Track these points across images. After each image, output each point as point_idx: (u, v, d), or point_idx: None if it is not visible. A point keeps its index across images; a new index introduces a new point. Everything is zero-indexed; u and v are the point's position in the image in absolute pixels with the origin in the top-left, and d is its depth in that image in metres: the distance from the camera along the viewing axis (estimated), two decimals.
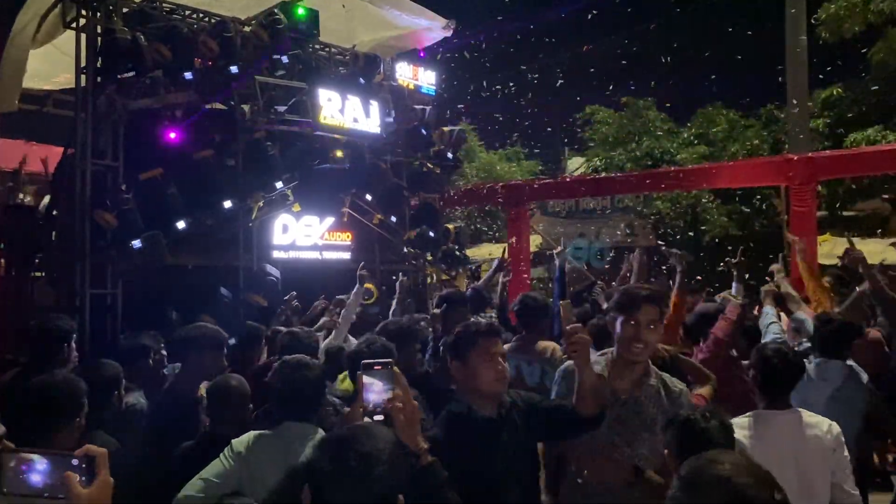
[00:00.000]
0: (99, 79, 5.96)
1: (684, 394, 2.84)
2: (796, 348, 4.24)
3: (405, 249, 8.72)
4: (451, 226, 9.28)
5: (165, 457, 2.95)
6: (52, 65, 7.23)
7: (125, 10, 6.25)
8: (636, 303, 2.76)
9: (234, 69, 6.48)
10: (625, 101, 20.07)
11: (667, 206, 17.48)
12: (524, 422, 2.62)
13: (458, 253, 9.08)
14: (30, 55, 6.30)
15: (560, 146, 24.39)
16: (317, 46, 7.87)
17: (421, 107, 8.70)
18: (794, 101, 11.97)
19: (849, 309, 4.67)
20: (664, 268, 6.69)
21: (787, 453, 2.80)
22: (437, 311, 4.84)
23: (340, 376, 4.21)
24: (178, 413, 3.31)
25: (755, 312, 4.95)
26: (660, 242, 7.21)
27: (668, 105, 20.05)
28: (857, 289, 4.72)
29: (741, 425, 2.87)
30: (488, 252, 16.66)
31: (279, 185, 6.74)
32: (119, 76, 5.89)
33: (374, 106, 7.66)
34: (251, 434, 2.67)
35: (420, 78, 9.03)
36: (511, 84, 18.06)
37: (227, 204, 6.31)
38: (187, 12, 6.84)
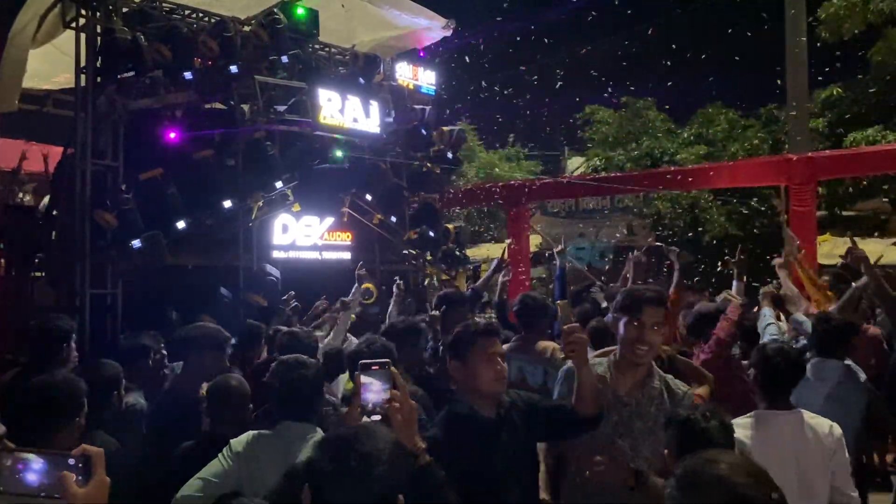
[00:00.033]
0: (99, 79, 5.96)
1: (688, 396, 2.81)
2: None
3: (405, 250, 8.73)
4: (451, 226, 9.29)
5: (165, 457, 2.95)
6: (51, 64, 7.23)
7: (125, 9, 6.25)
8: (640, 304, 2.73)
9: (233, 69, 6.49)
10: (624, 101, 20.08)
11: (666, 206, 17.48)
12: (523, 422, 2.62)
13: (457, 253, 9.09)
14: (30, 55, 6.30)
15: (560, 146, 24.41)
16: (316, 46, 7.87)
17: (421, 107, 8.70)
18: (794, 101, 11.98)
19: (845, 306, 4.65)
20: (664, 269, 6.68)
21: (787, 453, 2.80)
22: (435, 312, 4.85)
23: (344, 377, 4.22)
24: (178, 413, 3.31)
25: (755, 310, 4.95)
26: (657, 243, 7.19)
27: (668, 105, 20.08)
28: (854, 284, 4.71)
29: (742, 425, 2.87)
30: (486, 251, 16.68)
31: (279, 184, 6.74)
32: (119, 76, 5.90)
33: (374, 106, 7.66)
34: (250, 434, 2.67)
35: (420, 78, 9.03)
36: (511, 84, 18.08)
37: (227, 204, 6.31)
38: (187, 12, 6.85)
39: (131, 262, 5.70)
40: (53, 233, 6.30)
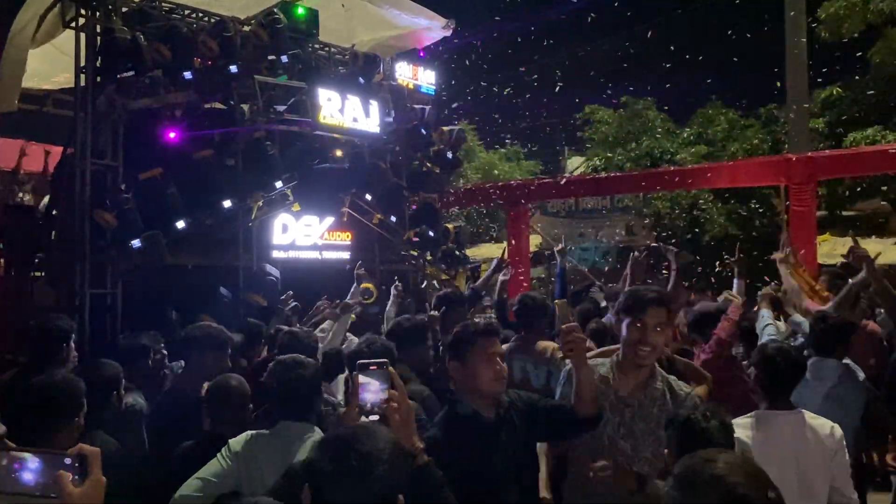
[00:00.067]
0: (98, 78, 5.96)
1: (690, 397, 2.81)
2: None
3: (405, 250, 8.72)
4: (450, 226, 9.29)
5: (166, 457, 2.95)
6: (51, 64, 7.23)
7: (124, 9, 6.26)
8: (643, 305, 2.71)
9: (233, 69, 6.48)
10: (624, 101, 20.08)
11: (666, 206, 17.48)
12: (523, 422, 2.62)
13: (457, 253, 9.08)
14: (29, 55, 6.30)
15: (560, 146, 24.42)
16: (316, 46, 7.87)
17: (420, 106, 8.70)
18: (794, 101, 11.99)
19: (842, 302, 4.64)
20: (664, 271, 6.68)
21: (787, 453, 2.80)
22: (434, 312, 4.85)
23: (344, 377, 4.22)
24: (179, 413, 3.31)
25: (754, 310, 4.95)
26: (653, 244, 7.20)
27: (668, 105, 20.10)
28: (850, 280, 4.70)
29: (743, 425, 2.87)
30: (485, 251, 16.67)
31: (279, 184, 6.74)
32: (118, 76, 5.89)
33: (374, 105, 7.66)
34: (249, 433, 2.67)
35: (420, 77, 9.03)
36: (511, 84, 18.09)
37: (227, 204, 6.31)
38: (187, 12, 6.85)
39: (131, 262, 5.70)
40: (53, 232, 6.29)
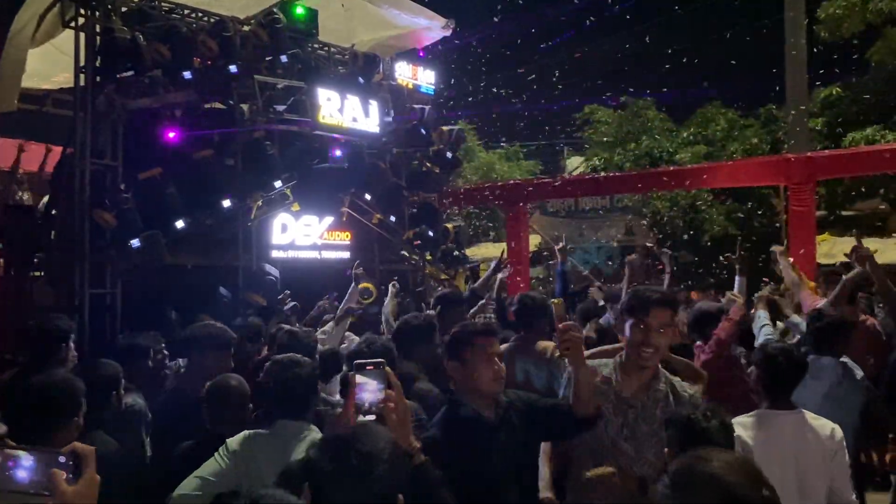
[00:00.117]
0: (98, 78, 5.96)
1: (693, 398, 2.80)
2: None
3: (404, 249, 8.73)
4: (450, 225, 9.29)
5: (167, 456, 2.95)
6: (51, 64, 7.22)
7: (124, 9, 6.25)
8: (646, 306, 2.69)
9: (233, 69, 6.49)
10: (624, 101, 20.09)
11: (666, 206, 17.49)
12: (522, 422, 2.62)
13: (457, 253, 9.09)
14: (29, 54, 6.30)
15: (559, 146, 24.43)
16: (316, 46, 7.87)
17: (420, 106, 8.70)
18: (793, 102, 11.99)
19: (837, 297, 4.63)
20: (661, 270, 6.69)
21: (787, 453, 2.80)
22: (431, 312, 4.85)
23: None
24: (180, 413, 3.31)
25: (751, 312, 4.95)
26: (649, 244, 7.20)
27: (668, 105, 20.11)
28: (844, 277, 4.70)
29: (744, 424, 2.87)
30: (485, 251, 16.68)
31: (278, 184, 6.74)
32: (118, 75, 5.90)
33: (374, 105, 7.66)
34: (247, 433, 2.68)
35: (419, 77, 9.03)
36: (511, 84, 18.10)
37: (227, 203, 6.32)
38: (186, 12, 6.85)
39: (131, 262, 5.71)
40: (53, 232, 6.30)
